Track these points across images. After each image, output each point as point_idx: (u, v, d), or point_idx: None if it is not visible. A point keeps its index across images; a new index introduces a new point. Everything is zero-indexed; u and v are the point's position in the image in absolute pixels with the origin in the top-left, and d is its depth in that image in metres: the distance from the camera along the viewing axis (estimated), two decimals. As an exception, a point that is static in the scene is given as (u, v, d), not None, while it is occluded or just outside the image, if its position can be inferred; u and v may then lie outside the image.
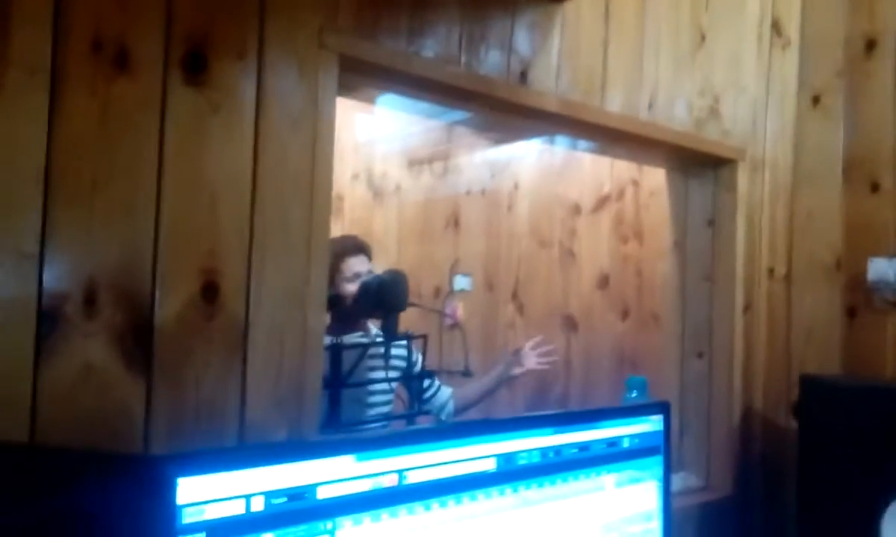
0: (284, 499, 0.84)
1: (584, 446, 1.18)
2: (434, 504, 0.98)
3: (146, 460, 0.70)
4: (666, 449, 1.32)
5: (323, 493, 0.87)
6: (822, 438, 1.60)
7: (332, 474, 0.88)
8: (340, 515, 0.88)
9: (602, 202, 2.49)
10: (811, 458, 1.63)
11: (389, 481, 0.94)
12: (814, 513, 1.60)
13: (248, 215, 1.06)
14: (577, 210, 2.58)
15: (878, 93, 1.84)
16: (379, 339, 2.05)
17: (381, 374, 2.04)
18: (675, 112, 1.69)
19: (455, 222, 3.08)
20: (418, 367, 2.20)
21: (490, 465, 1.05)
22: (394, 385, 2.08)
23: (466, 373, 2.13)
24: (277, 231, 1.09)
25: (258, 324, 1.06)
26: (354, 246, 2.23)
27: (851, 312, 1.85)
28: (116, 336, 0.94)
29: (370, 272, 2.17)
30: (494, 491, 1.05)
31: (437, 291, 3.07)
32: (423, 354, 1.95)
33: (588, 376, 2.50)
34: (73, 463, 0.64)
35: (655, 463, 1.31)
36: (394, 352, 2.11)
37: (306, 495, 0.86)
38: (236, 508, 0.80)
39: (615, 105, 1.57)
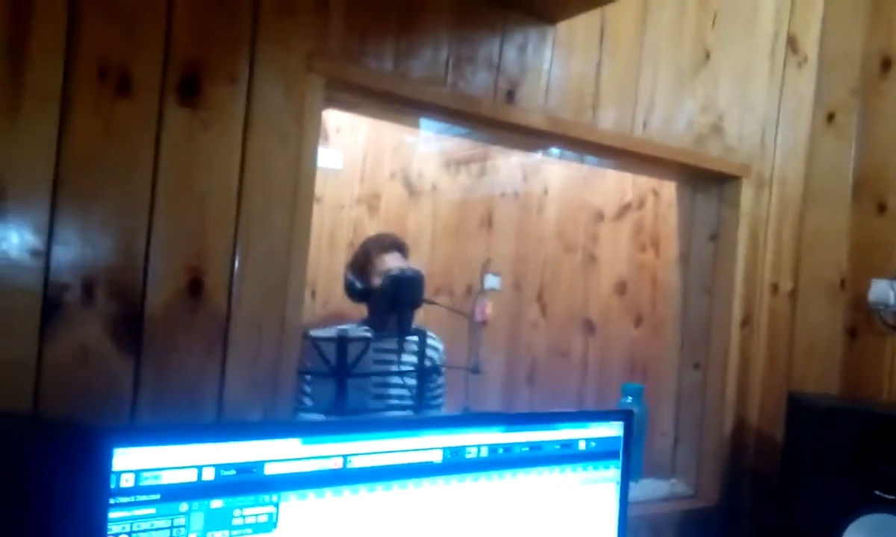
0: (233, 472, 0.97)
1: (535, 446, 1.27)
2: (377, 487, 1.09)
3: (86, 429, 0.83)
4: (625, 455, 1.39)
5: (270, 470, 1.00)
6: (803, 454, 1.62)
7: (279, 454, 1.01)
8: (285, 490, 1.01)
9: (624, 210, 2.54)
10: (793, 473, 1.66)
11: (334, 464, 1.06)
12: (790, 528, 1.62)
13: (234, 220, 1.20)
14: (600, 216, 2.63)
15: (890, 113, 1.83)
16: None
17: (394, 368, 2.17)
18: (673, 129, 1.74)
19: (488, 222, 3.17)
20: (438, 360, 2.32)
21: (437, 457, 1.16)
22: (407, 380, 2.21)
23: (475, 371, 2.24)
24: (260, 235, 1.22)
25: (239, 317, 1.20)
26: (390, 243, 2.36)
27: (852, 332, 1.85)
28: (110, 323, 1.09)
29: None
30: (440, 480, 1.16)
31: (468, 289, 3.18)
32: (420, 353, 2.05)
33: (602, 379, 2.55)
34: (8, 424, 0.78)
35: (614, 468, 1.38)
36: (411, 346, 2.23)
37: (254, 470, 0.99)
38: (189, 476, 0.94)
39: (607, 122, 1.63)
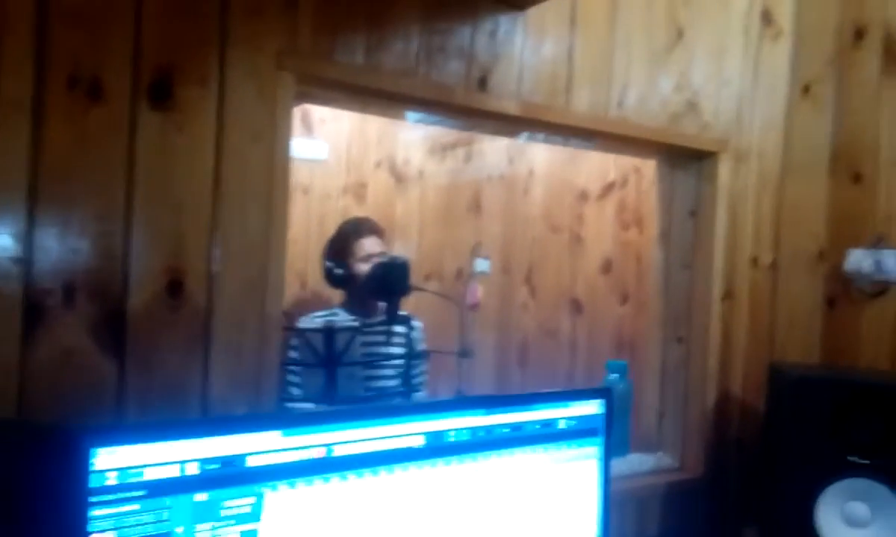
0: (216, 466, 1.00)
1: (516, 426, 1.30)
2: (360, 474, 1.12)
3: (66, 431, 0.86)
4: (606, 432, 1.42)
5: (252, 462, 1.03)
6: (783, 424, 1.66)
7: (261, 446, 1.04)
8: (267, 481, 1.04)
9: (607, 189, 2.55)
10: (773, 443, 1.69)
11: (316, 453, 1.09)
12: (771, 495, 1.66)
13: (210, 219, 1.22)
14: (584, 196, 2.65)
15: (863, 83, 1.84)
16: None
17: (383, 353, 2.21)
18: (648, 108, 1.75)
19: (477, 206, 3.19)
20: (421, 347, 2.36)
21: (419, 442, 1.19)
22: (398, 362, 2.24)
23: (463, 354, 2.26)
24: (238, 232, 1.24)
25: (220, 314, 1.22)
26: (368, 227, 2.39)
27: (831, 302, 1.87)
28: (92, 326, 1.11)
29: (383, 254, 2.32)
30: (423, 464, 1.19)
31: (459, 273, 3.20)
32: (408, 339, 2.07)
33: (591, 357, 2.58)
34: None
35: (595, 445, 1.41)
36: (397, 329, 2.26)
37: (235, 462, 1.02)
38: (172, 472, 0.97)
39: (581, 105, 1.64)
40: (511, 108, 1.54)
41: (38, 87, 1.07)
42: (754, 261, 1.97)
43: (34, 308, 1.07)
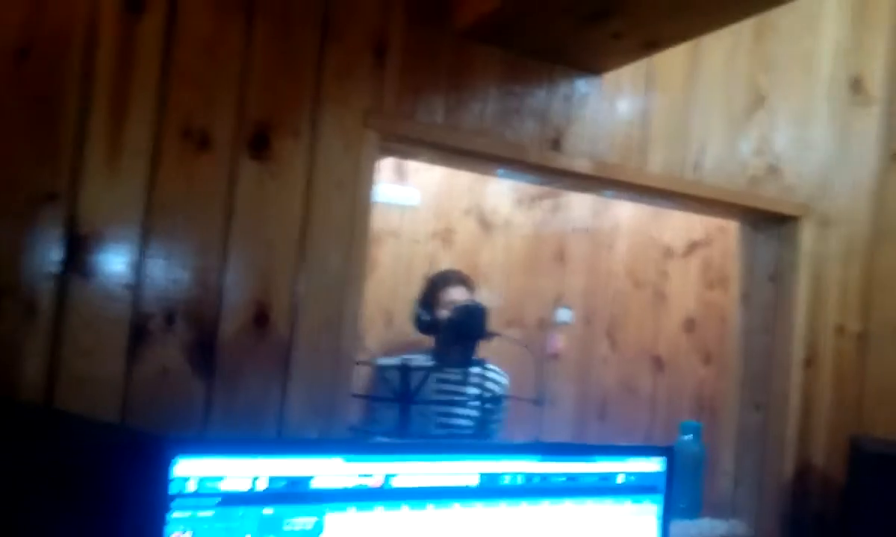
0: (284, 484, 1.10)
1: (572, 476, 1.33)
2: (417, 506, 1.19)
3: (155, 438, 0.98)
4: (667, 491, 1.42)
5: (316, 484, 1.12)
6: (864, 501, 1.59)
7: (326, 469, 1.13)
8: (330, 503, 1.12)
9: (692, 247, 2.54)
10: (853, 520, 1.62)
11: (376, 481, 1.16)
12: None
13: (296, 259, 1.34)
14: (669, 253, 2.65)
15: (961, 151, 1.78)
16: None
17: (457, 398, 2.27)
18: (726, 171, 1.76)
19: (561, 257, 3.23)
20: (500, 392, 2.41)
21: (473, 481, 1.24)
22: (469, 410, 2.30)
23: (538, 402, 2.29)
24: (320, 272, 1.36)
25: (299, 345, 1.34)
26: (456, 278, 2.50)
27: (923, 377, 1.79)
28: (187, 348, 1.25)
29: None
30: (476, 503, 1.24)
31: (540, 322, 3.23)
32: (480, 383, 2.12)
33: (671, 416, 2.55)
34: (91, 430, 0.93)
35: (655, 503, 1.41)
36: (472, 371, 2.32)
37: (302, 483, 1.11)
38: (245, 485, 1.07)
39: (656, 165, 1.68)
40: (584, 166, 1.60)
41: (157, 137, 1.23)
42: (840, 330, 1.91)
43: (139, 329, 1.22)
